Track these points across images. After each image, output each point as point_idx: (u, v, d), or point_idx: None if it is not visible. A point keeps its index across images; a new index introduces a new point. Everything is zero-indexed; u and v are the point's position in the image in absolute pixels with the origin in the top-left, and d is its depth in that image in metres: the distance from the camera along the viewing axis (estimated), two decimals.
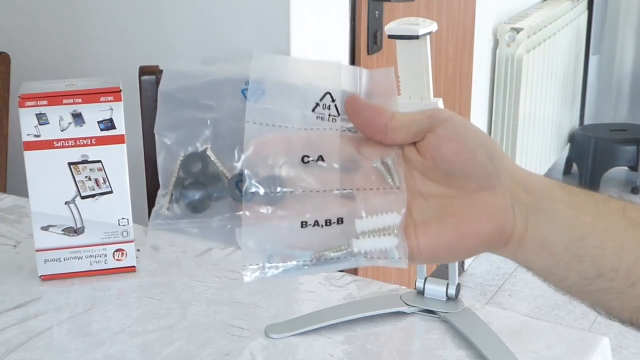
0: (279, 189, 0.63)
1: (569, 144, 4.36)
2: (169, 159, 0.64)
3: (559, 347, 1.05)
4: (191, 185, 0.64)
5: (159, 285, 1.19)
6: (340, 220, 0.63)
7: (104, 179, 1.18)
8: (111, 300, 1.16)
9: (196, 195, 0.64)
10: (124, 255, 1.21)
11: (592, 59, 4.52)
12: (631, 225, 0.66)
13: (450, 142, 0.64)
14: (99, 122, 1.16)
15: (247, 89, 0.64)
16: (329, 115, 0.65)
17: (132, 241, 1.21)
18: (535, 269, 0.67)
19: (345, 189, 0.64)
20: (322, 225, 0.62)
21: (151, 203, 1.88)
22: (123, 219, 1.20)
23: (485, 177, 0.64)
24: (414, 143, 0.65)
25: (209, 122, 0.65)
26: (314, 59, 0.66)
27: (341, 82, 0.65)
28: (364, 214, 0.63)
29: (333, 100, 0.65)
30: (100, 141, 1.16)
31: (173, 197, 0.64)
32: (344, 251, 0.62)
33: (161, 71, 1.87)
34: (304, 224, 0.62)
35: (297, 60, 0.66)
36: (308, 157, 0.64)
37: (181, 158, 0.64)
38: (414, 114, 0.65)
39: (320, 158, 0.64)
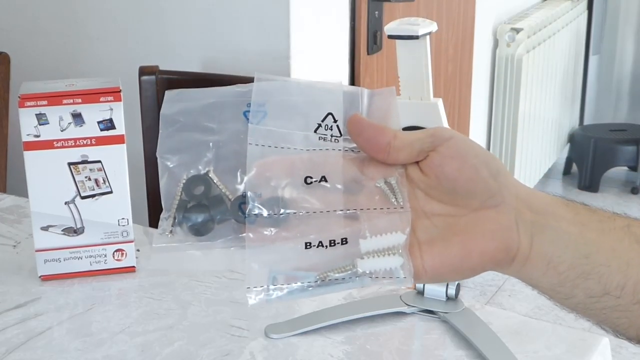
0: (282, 210, 0.63)
1: (568, 144, 4.36)
2: (171, 182, 0.64)
3: (558, 347, 1.05)
4: (194, 208, 0.64)
5: (159, 285, 1.19)
6: (344, 241, 0.63)
7: (103, 179, 1.18)
8: (111, 300, 1.16)
9: (199, 218, 0.64)
10: (124, 255, 1.21)
11: (592, 59, 4.52)
12: (636, 242, 0.66)
13: (453, 161, 0.64)
14: (98, 122, 1.16)
15: (249, 111, 0.64)
16: (332, 135, 0.65)
17: (132, 241, 1.21)
18: (540, 287, 0.67)
19: (349, 210, 0.64)
20: (326, 246, 0.62)
21: (151, 203, 1.89)
22: (123, 219, 1.20)
23: (488, 195, 0.64)
24: (417, 162, 0.65)
25: (211, 144, 0.65)
26: (315, 80, 0.66)
27: (343, 103, 0.65)
28: (368, 234, 0.63)
29: (335, 121, 0.65)
30: (100, 141, 1.16)
31: (176, 220, 0.64)
32: (349, 272, 0.62)
33: (161, 71, 1.87)
34: (308, 245, 0.62)
35: (299, 81, 0.66)
36: (311, 178, 0.64)
37: (183, 181, 0.64)
38: (416, 133, 0.65)
39: (323, 179, 0.64)
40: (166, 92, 0.65)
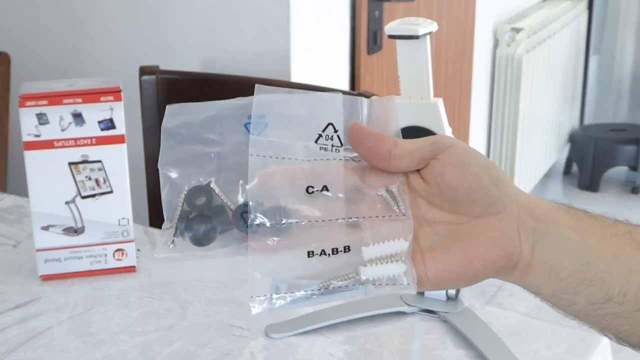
0: (284, 220, 0.63)
1: (569, 144, 4.36)
2: (173, 193, 0.65)
3: (558, 347, 1.05)
4: (196, 219, 0.64)
5: (159, 285, 1.19)
6: (347, 249, 0.63)
7: (104, 179, 1.18)
8: (111, 300, 1.16)
9: (201, 228, 0.64)
10: (124, 255, 1.21)
11: (592, 59, 4.52)
12: (638, 249, 0.65)
13: (454, 169, 0.64)
14: (99, 122, 1.16)
15: (249, 123, 0.64)
16: (332, 145, 0.65)
17: (132, 241, 1.21)
18: (543, 294, 0.67)
19: (350, 218, 0.64)
20: (328, 254, 0.63)
21: (151, 203, 1.89)
22: (123, 218, 1.20)
23: (489, 203, 0.64)
24: (418, 170, 0.66)
25: (212, 156, 0.65)
26: (314, 91, 0.67)
27: (343, 112, 0.66)
28: (370, 242, 0.63)
29: (335, 131, 0.65)
30: (101, 141, 1.16)
31: (177, 230, 0.64)
32: (352, 279, 0.62)
33: (162, 71, 1.87)
34: (310, 254, 0.62)
35: (299, 92, 0.67)
36: (312, 187, 0.64)
37: (185, 192, 0.65)
38: (417, 141, 0.65)
39: (325, 188, 0.64)
40: (167, 106, 0.65)
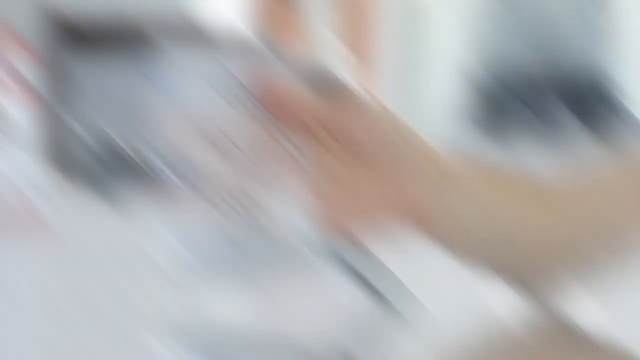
0: (188, 174, 0.63)
1: (474, 89, 4.38)
2: (79, 144, 0.64)
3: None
4: (100, 171, 0.64)
5: (72, 243, 1.18)
6: (253, 200, 0.63)
7: (9, 128, 1.16)
8: (24, 264, 1.14)
9: (105, 180, 0.64)
10: (35, 210, 1.20)
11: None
12: (544, 203, 0.67)
13: (359, 122, 0.64)
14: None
15: (154, 76, 0.64)
16: (237, 98, 0.65)
17: (41, 195, 1.20)
18: (448, 247, 0.68)
19: (256, 171, 0.64)
20: (235, 207, 0.63)
21: (59, 156, 1.86)
22: (31, 171, 1.18)
23: (395, 156, 0.65)
24: (324, 123, 0.65)
25: (118, 107, 0.65)
26: (219, 43, 0.66)
27: (248, 64, 0.66)
28: (277, 195, 0.64)
29: (241, 84, 0.65)
30: (4, 91, 1.15)
31: (82, 183, 0.64)
32: (259, 232, 0.63)
33: (64, 15, 1.84)
34: (217, 207, 0.63)
35: (203, 44, 0.66)
36: (217, 141, 0.64)
37: (92, 144, 0.64)
38: (323, 94, 0.65)
39: (230, 142, 0.64)
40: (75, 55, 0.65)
